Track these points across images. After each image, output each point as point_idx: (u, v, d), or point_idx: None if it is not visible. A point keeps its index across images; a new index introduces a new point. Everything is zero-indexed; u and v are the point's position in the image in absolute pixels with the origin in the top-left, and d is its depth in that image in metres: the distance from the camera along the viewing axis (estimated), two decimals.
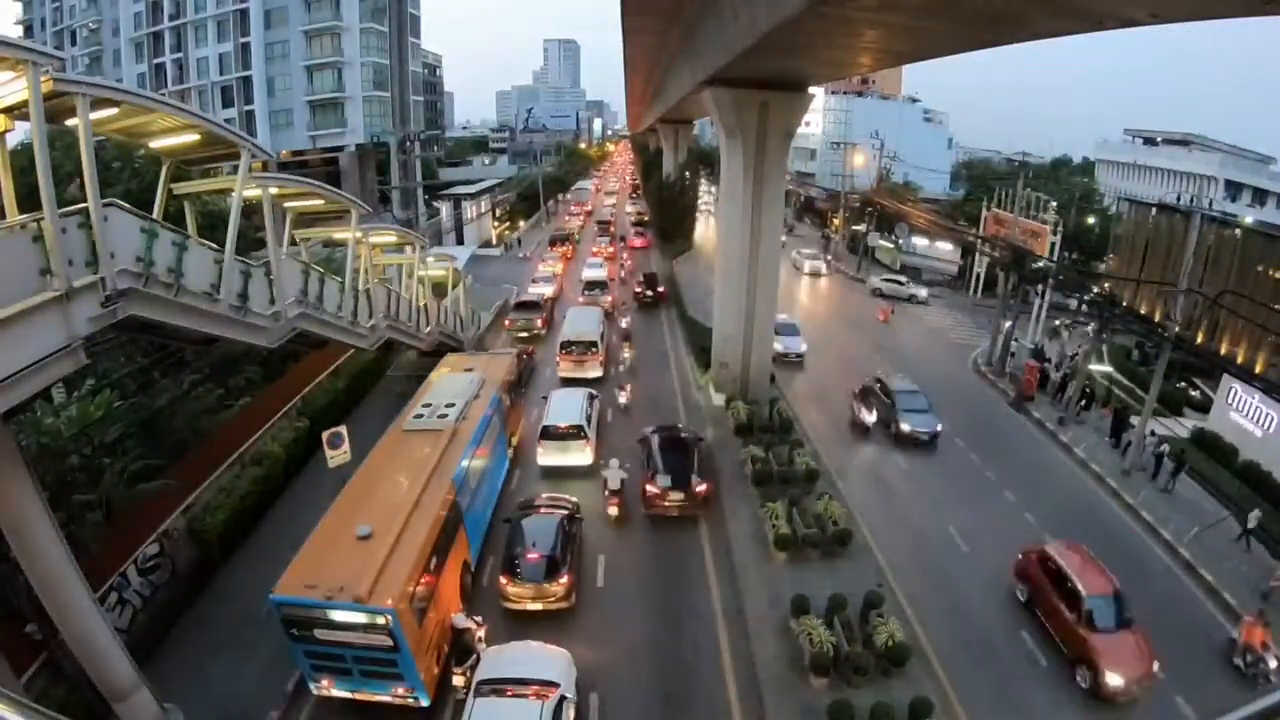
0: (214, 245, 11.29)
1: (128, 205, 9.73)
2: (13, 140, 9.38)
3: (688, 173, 56.14)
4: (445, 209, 52.78)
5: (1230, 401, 22.24)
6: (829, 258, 49.97)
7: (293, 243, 17.00)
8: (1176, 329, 19.94)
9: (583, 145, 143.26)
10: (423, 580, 11.37)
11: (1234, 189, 56.16)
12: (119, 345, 14.40)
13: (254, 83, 58.32)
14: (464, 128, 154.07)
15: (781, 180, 23.27)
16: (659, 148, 72.78)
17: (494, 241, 54.57)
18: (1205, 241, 22.39)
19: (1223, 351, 21.57)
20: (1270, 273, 22.08)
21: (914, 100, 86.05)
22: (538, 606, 13.56)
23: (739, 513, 17.21)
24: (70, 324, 8.53)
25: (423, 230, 39.41)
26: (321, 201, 15.84)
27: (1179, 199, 41.42)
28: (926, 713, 10.97)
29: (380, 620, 10.18)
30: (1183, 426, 23.10)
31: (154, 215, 10.80)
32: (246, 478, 16.65)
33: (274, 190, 13.65)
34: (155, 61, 61.69)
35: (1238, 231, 25.08)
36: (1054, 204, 34.15)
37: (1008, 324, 28.54)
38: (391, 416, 17.36)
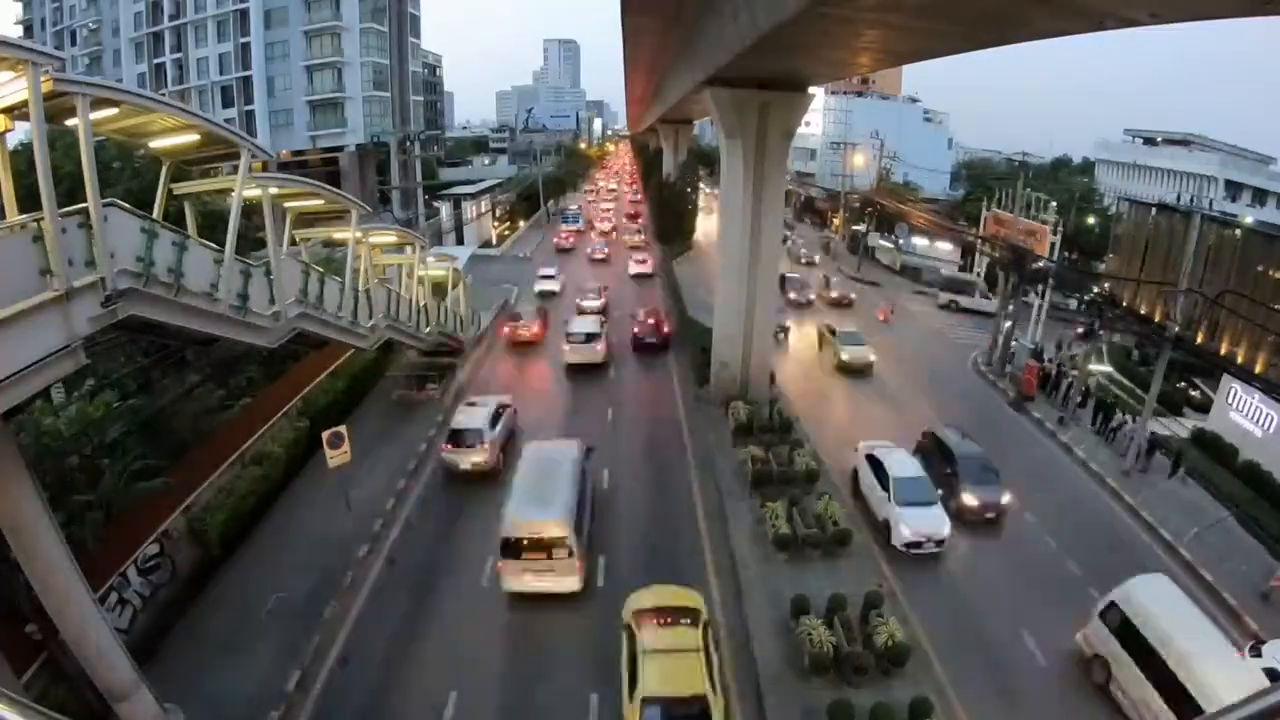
0: (214, 245, 11.29)
1: (128, 205, 9.73)
2: (13, 140, 9.38)
3: (688, 175, 56.09)
4: (445, 209, 52.79)
5: (1230, 401, 22.24)
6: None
7: (293, 243, 17.00)
8: (1176, 329, 19.94)
9: (583, 145, 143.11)
10: None
11: (1234, 189, 56.17)
12: (119, 345, 14.39)
13: (254, 83, 58.33)
14: (464, 128, 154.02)
15: (781, 180, 23.27)
16: (659, 148, 72.81)
17: (493, 241, 54.56)
18: (1205, 241, 22.35)
19: (1223, 351, 21.53)
20: (1270, 273, 22.04)
21: (914, 100, 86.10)
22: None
23: (739, 513, 17.21)
24: (70, 324, 8.52)
25: (423, 230, 39.39)
26: (321, 201, 15.84)
27: (1179, 199, 41.41)
28: (926, 713, 10.96)
29: None
30: (1183, 426, 23.09)
31: (154, 215, 10.79)
32: (246, 478, 16.65)
33: (274, 190, 13.64)
34: (155, 61, 61.71)
35: (1238, 231, 25.06)
36: (1054, 204, 34.12)
37: (1007, 324, 28.54)
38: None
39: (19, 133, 9.36)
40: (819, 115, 75.56)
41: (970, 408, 25.15)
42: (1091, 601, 13.30)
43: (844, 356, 27.97)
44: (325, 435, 15.71)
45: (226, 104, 59.19)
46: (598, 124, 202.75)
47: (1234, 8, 9.01)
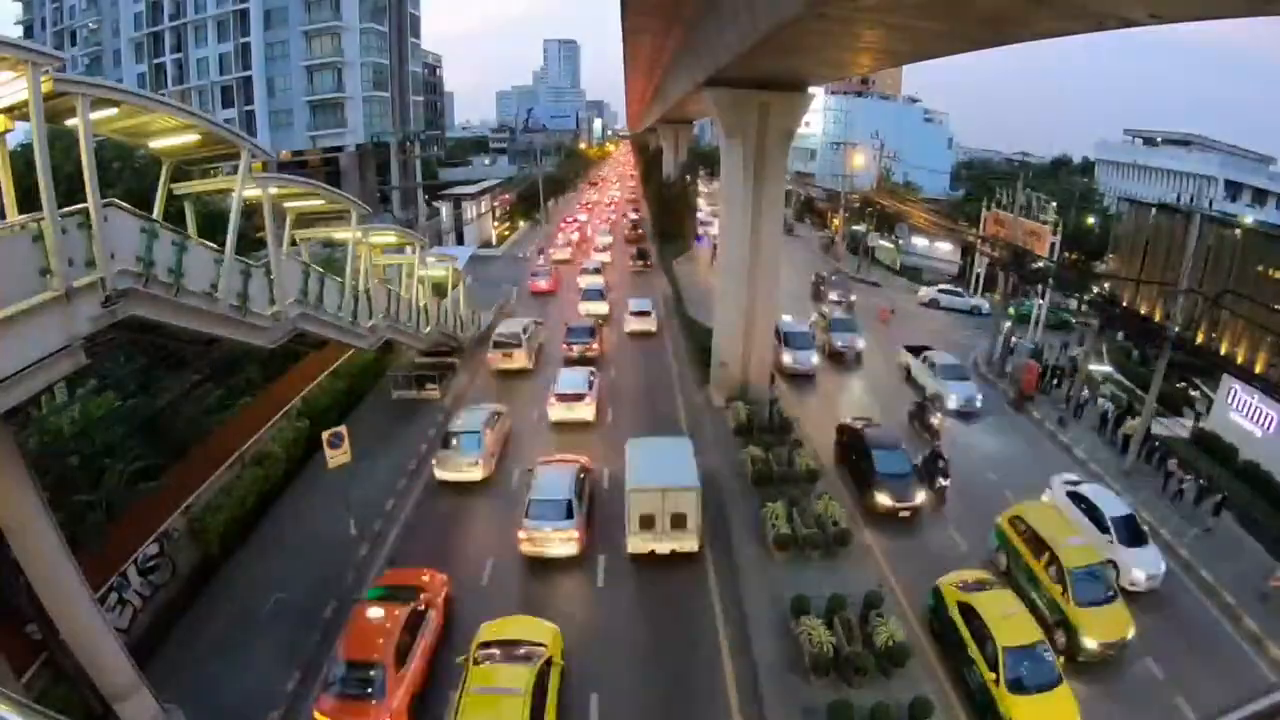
0: (214, 245, 11.29)
1: (128, 205, 9.73)
2: (13, 140, 9.38)
3: (688, 175, 56.13)
4: (445, 209, 52.83)
5: (1230, 401, 22.22)
6: None
7: (293, 243, 16.99)
8: (1176, 329, 19.93)
9: (583, 145, 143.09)
10: None
11: (1234, 189, 56.19)
12: (119, 345, 14.38)
13: (254, 83, 58.27)
14: (464, 128, 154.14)
15: (781, 180, 23.31)
16: (659, 148, 72.85)
17: (493, 241, 54.57)
18: (1205, 241, 22.32)
19: (1223, 351, 21.51)
20: (1270, 273, 22.02)
21: (914, 100, 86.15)
22: None
23: (739, 512, 17.21)
24: (70, 324, 8.52)
25: (423, 230, 39.40)
26: (321, 201, 15.84)
27: (1179, 199, 41.42)
28: (926, 713, 10.98)
29: None
30: (1183, 427, 23.08)
31: (154, 215, 10.79)
32: (246, 478, 16.65)
33: (274, 190, 13.63)
34: (155, 61, 61.65)
35: (1238, 231, 25.04)
36: (1054, 204, 34.13)
37: (1007, 324, 28.55)
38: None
39: (19, 133, 9.36)
40: (819, 115, 75.51)
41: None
42: None
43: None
44: (325, 435, 15.70)
45: (226, 104, 59.13)
46: (598, 124, 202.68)
47: (1234, 8, 9.02)
